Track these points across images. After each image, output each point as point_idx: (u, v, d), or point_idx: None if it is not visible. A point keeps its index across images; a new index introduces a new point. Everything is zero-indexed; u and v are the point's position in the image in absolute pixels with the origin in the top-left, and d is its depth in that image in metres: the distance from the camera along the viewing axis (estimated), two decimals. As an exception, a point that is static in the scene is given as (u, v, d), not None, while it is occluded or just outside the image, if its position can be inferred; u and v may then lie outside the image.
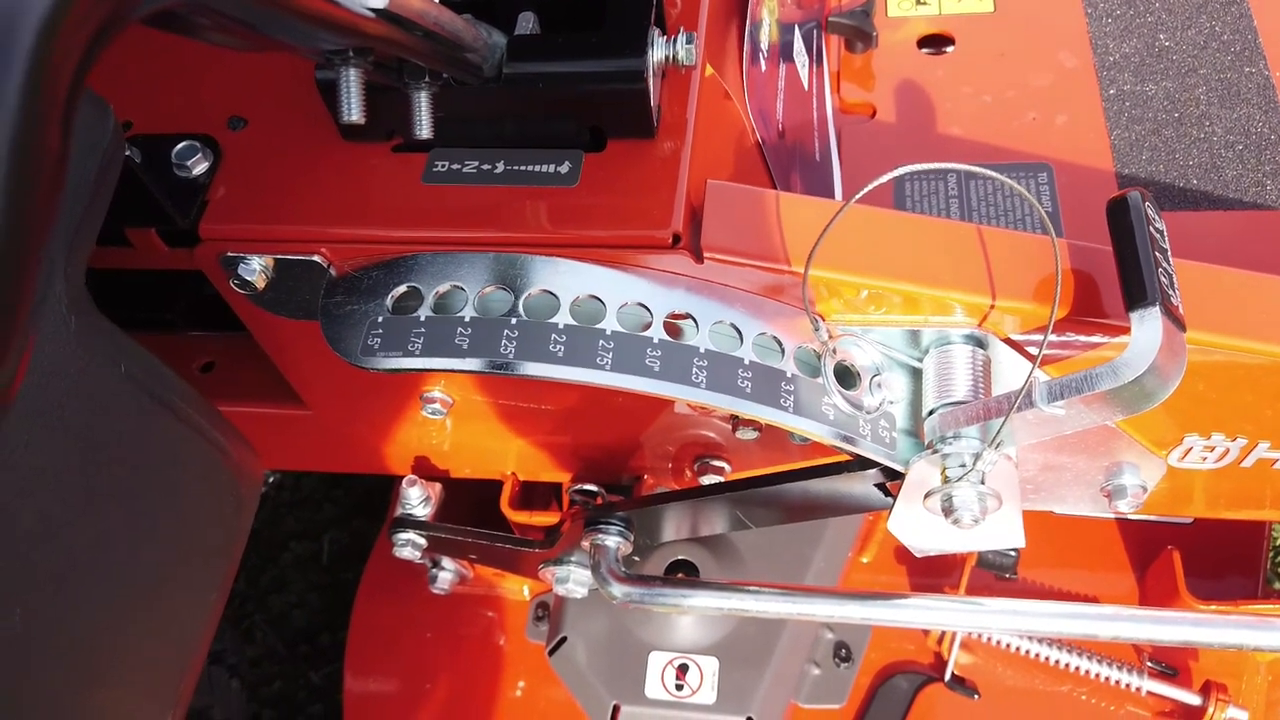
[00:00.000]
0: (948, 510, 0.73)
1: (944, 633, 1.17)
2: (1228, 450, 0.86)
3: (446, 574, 1.23)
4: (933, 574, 1.24)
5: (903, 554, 1.29)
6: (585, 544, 0.97)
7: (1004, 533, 0.82)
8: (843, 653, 1.22)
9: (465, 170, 0.78)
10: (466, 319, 0.72)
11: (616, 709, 1.10)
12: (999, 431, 0.68)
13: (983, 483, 0.71)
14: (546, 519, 1.08)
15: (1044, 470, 0.91)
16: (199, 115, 0.83)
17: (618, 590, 0.94)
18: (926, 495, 0.74)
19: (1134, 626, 0.85)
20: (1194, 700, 1.11)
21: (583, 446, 0.99)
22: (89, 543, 0.60)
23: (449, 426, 1.00)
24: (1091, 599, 1.26)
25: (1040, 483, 0.93)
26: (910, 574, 1.27)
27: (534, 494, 1.13)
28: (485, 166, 0.78)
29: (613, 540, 0.95)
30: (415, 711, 1.25)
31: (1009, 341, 0.76)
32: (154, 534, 0.66)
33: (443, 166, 0.78)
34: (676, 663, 1.11)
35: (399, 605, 1.33)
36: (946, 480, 0.72)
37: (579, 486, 0.99)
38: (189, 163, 0.79)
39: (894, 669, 1.21)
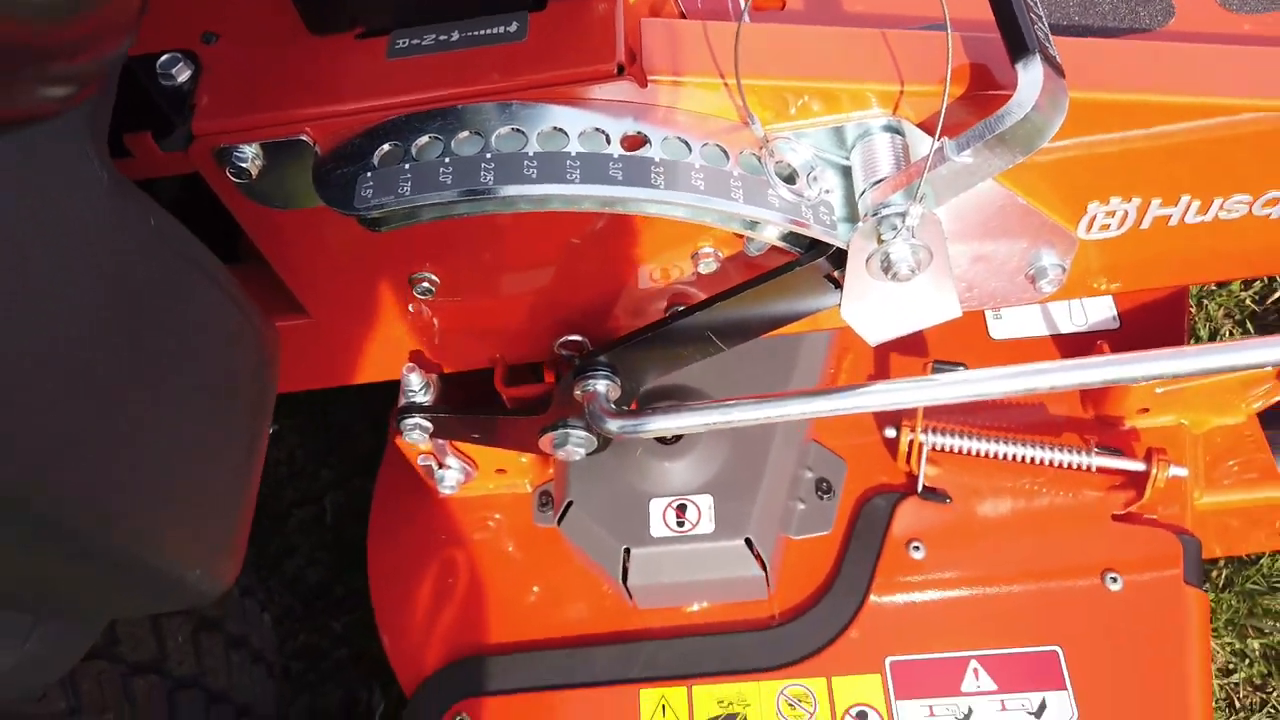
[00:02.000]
0: (887, 268, 0.84)
1: (912, 450, 1.29)
2: (1127, 214, 0.98)
3: (453, 473, 1.32)
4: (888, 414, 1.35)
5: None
6: (577, 393, 1.07)
7: (940, 301, 0.93)
8: (824, 486, 1.33)
9: (425, 43, 0.87)
10: (447, 159, 0.81)
11: (628, 553, 1.20)
12: (920, 187, 0.80)
13: (914, 237, 0.82)
14: (538, 390, 1.18)
15: (973, 263, 1.02)
16: (173, 34, 0.91)
17: (613, 425, 1.04)
18: (868, 260, 0.85)
19: (1070, 374, 0.96)
20: (1139, 466, 1.24)
21: (562, 309, 1.08)
22: (139, 376, 0.69)
23: (437, 317, 1.09)
24: (1037, 410, 1.38)
25: (972, 279, 1.05)
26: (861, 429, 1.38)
27: (523, 377, 1.22)
28: (442, 37, 0.87)
29: (601, 384, 1.05)
30: (443, 608, 1.33)
31: (921, 126, 0.87)
32: (196, 376, 0.74)
33: (404, 43, 0.87)
34: (675, 504, 1.22)
35: (412, 515, 1.41)
36: (882, 241, 0.83)
37: (564, 339, 1.08)
38: (173, 71, 0.87)
39: (872, 493, 1.32)
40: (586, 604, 1.31)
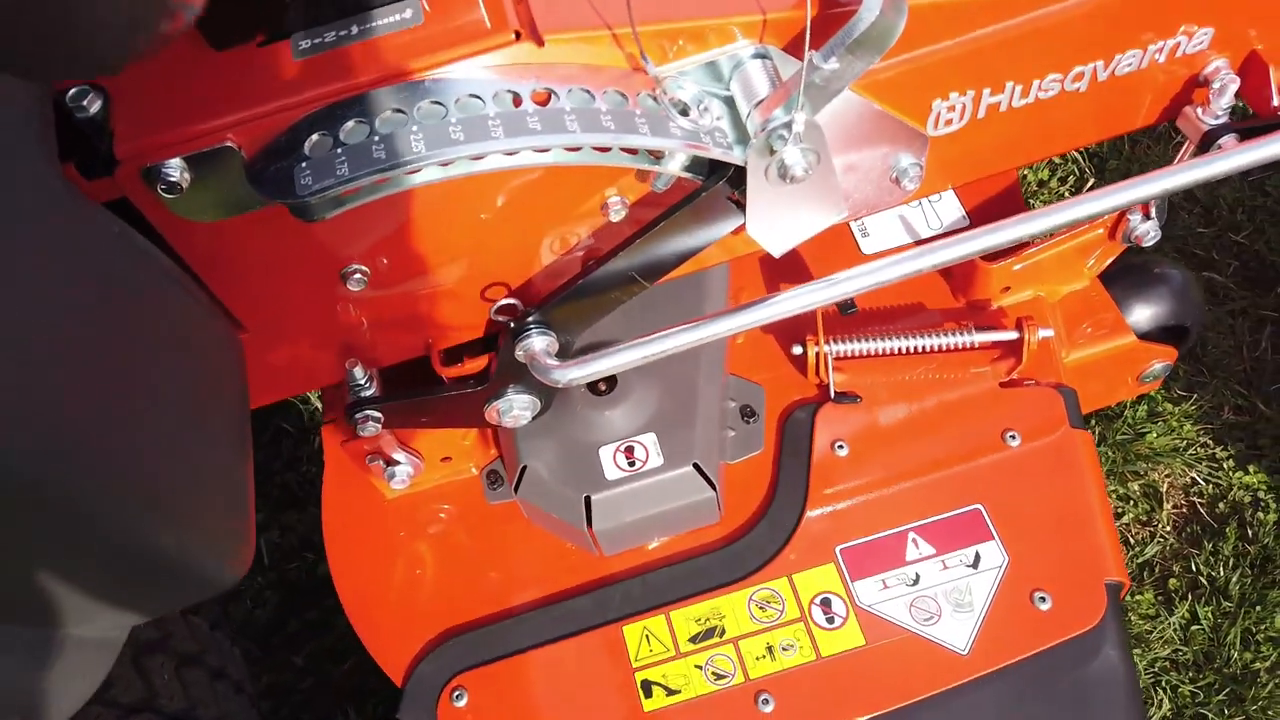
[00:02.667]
0: (783, 173, 0.95)
1: (819, 361, 1.41)
2: (964, 107, 1.13)
3: (402, 468, 1.36)
4: (794, 331, 1.47)
5: (768, 328, 1.53)
6: (519, 353, 1.14)
7: (829, 203, 1.05)
8: (748, 412, 1.44)
9: (327, 40, 0.93)
10: (377, 137, 0.87)
11: (589, 500, 1.27)
12: (799, 96, 0.91)
13: (802, 142, 0.94)
14: (476, 364, 1.24)
15: (846, 174, 1.15)
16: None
17: (560, 375, 1.11)
18: (765, 170, 0.96)
19: (958, 247, 1.10)
20: (1013, 335, 1.41)
21: (489, 278, 1.15)
22: (135, 372, 0.72)
23: (371, 309, 1.14)
24: (917, 309, 1.54)
25: (848, 189, 1.17)
26: (777, 334, 1.50)
27: (455, 359, 1.28)
28: (342, 33, 0.93)
29: (539, 341, 1.13)
30: (416, 599, 1.37)
31: (785, 49, 0.99)
32: (187, 370, 0.78)
33: (307, 44, 0.93)
34: (623, 448, 1.30)
35: (365, 521, 1.44)
36: (774, 152, 0.95)
37: (500, 304, 1.15)
38: (84, 103, 0.89)
39: (791, 408, 1.44)
40: (554, 565, 1.37)
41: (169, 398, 0.75)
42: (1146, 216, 1.38)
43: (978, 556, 1.30)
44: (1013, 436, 1.37)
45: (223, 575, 0.82)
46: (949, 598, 1.28)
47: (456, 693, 1.27)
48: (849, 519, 1.34)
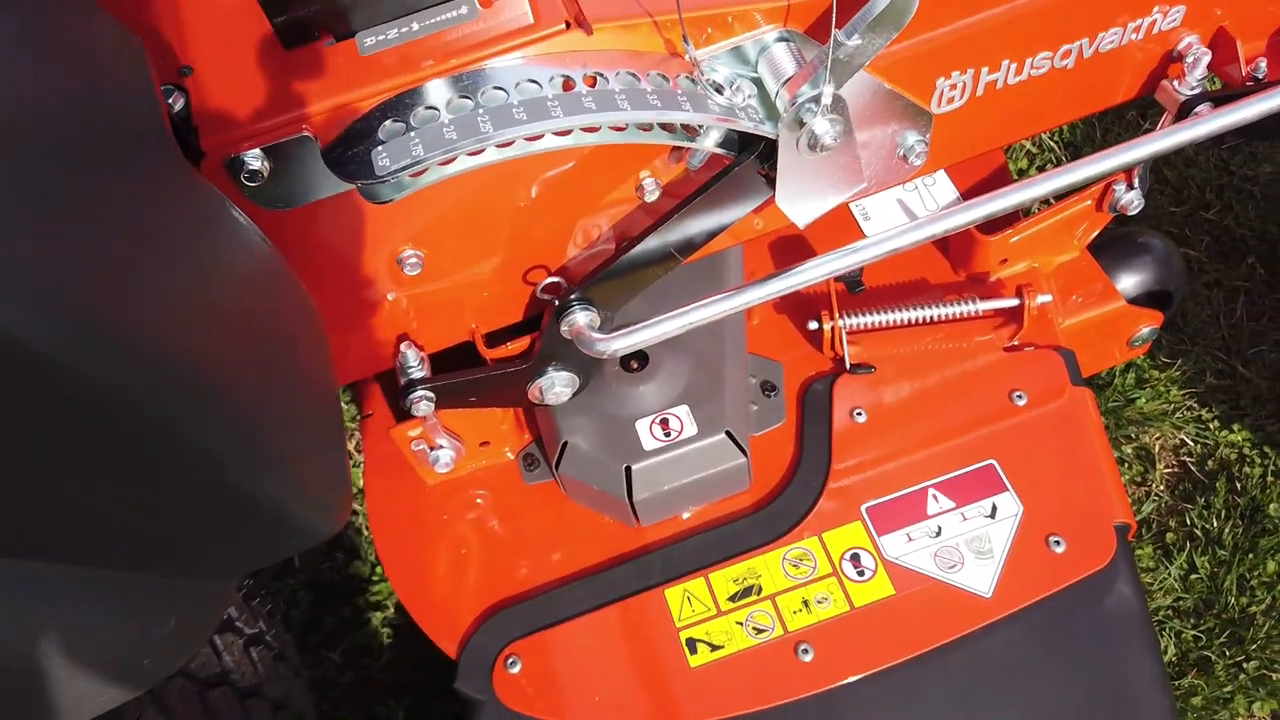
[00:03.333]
0: (813, 143, 1.04)
1: (834, 335, 1.50)
2: (965, 85, 1.23)
3: (445, 451, 1.43)
4: (807, 310, 1.56)
5: (781, 308, 1.62)
6: (564, 329, 1.21)
7: (851, 172, 1.14)
8: (769, 387, 1.52)
9: (390, 37, 1.01)
10: (446, 120, 0.95)
11: (629, 470, 1.35)
12: (826, 71, 1.00)
13: (831, 113, 1.03)
14: (518, 345, 1.31)
15: (860, 152, 1.25)
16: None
17: (605, 347, 1.19)
18: (796, 142, 1.05)
19: (967, 213, 1.20)
20: (1014, 302, 1.50)
21: (533, 259, 1.22)
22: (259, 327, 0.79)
23: (424, 293, 1.21)
24: (922, 285, 1.63)
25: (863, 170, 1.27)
26: (792, 315, 1.59)
27: (499, 341, 1.35)
28: (404, 29, 1.01)
29: (583, 316, 1.20)
30: (464, 577, 1.42)
31: (806, 32, 1.08)
32: (280, 319, 0.85)
33: (372, 40, 1.01)
34: (658, 420, 1.37)
35: (409, 509, 1.50)
36: (804, 124, 1.04)
37: (545, 282, 1.22)
38: (170, 100, 0.97)
39: (810, 381, 1.52)
40: (594, 538, 1.44)
41: (274, 344, 0.82)
42: (1130, 186, 1.49)
43: (994, 507, 1.38)
44: (1019, 396, 1.47)
45: (323, 524, 0.88)
46: (970, 546, 1.36)
47: (510, 660, 1.33)
48: (872, 479, 1.43)
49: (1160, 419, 1.90)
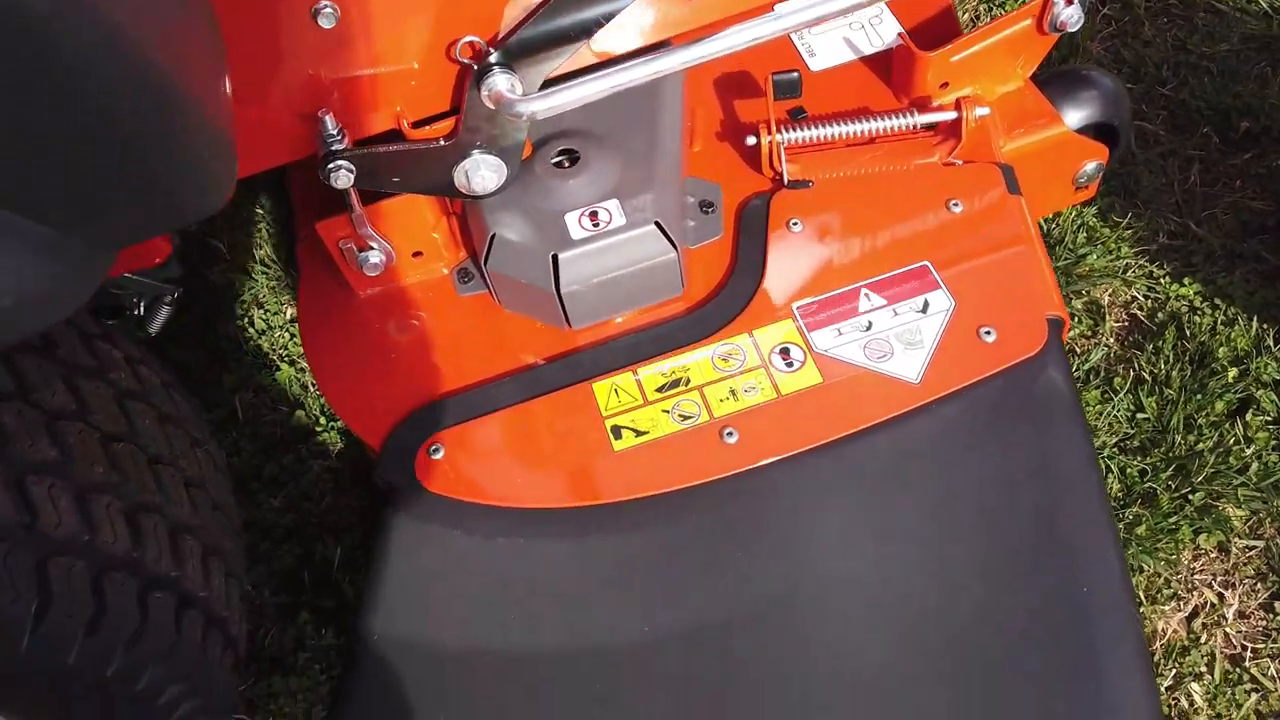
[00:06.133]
0: None
1: (772, 151, 1.49)
2: None
3: (374, 253, 1.41)
4: (748, 131, 1.54)
5: (723, 136, 1.60)
6: (484, 94, 1.20)
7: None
8: (706, 205, 1.51)
9: None
10: None
11: (555, 259, 1.33)
12: None
13: None
14: (444, 127, 1.30)
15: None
16: None
17: (526, 107, 1.18)
18: None
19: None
20: (952, 115, 1.49)
21: (453, 30, 1.21)
22: None
23: (341, 59, 1.19)
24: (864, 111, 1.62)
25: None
26: (733, 141, 1.58)
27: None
28: None
29: (503, 80, 1.19)
30: (393, 377, 1.41)
31: None
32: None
33: None
34: (587, 212, 1.36)
35: (341, 317, 1.49)
36: None
37: (462, 40, 1.20)
38: None
39: (748, 200, 1.51)
40: (525, 343, 1.43)
41: (175, 15, 0.81)
42: (1069, 1, 1.48)
43: (926, 303, 1.37)
44: (956, 204, 1.45)
45: (208, 199, 0.87)
46: (900, 338, 1.34)
47: (434, 447, 1.32)
48: (805, 282, 1.41)
49: (1111, 276, 1.88)
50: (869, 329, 1.36)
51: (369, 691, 1.16)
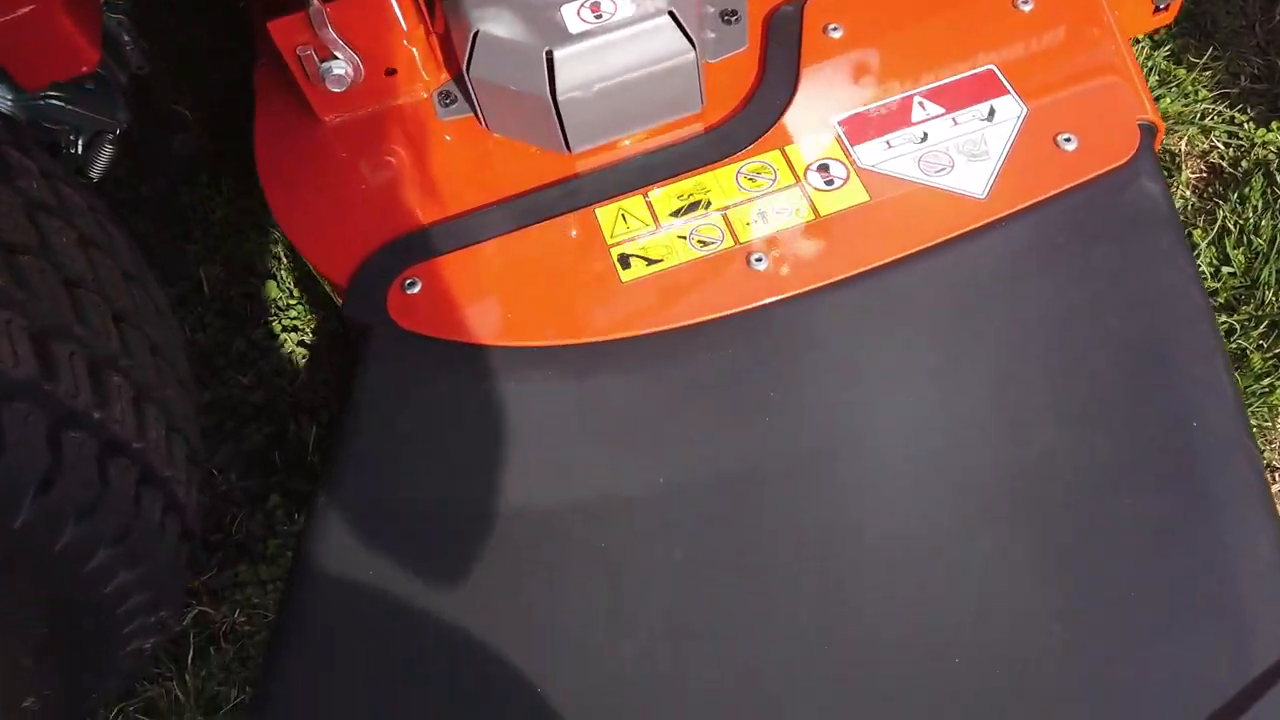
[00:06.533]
0: None
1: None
2: None
3: (340, 64, 1.20)
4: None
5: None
6: None
7: None
8: (729, 13, 1.28)
9: None
10: None
11: (550, 56, 1.12)
12: None
13: None
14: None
15: None
16: None
17: None
18: None
19: None
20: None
21: None
22: None
23: None
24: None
25: None
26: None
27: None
28: None
29: None
30: (364, 208, 1.20)
31: None
32: None
33: None
34: (587, 3, 1.14)
35: (302, 143, 1.28)
36: None
37: None
38: None
39: (778, 5, 1.29)
40: (517, 170, 1.22)
41: None
42: None
43: (992, 110, 1.15)
44: (1024, 1, 1.23)
45: None
46: (962, 150, 1.13)
47: (409, 281, 1.12)
48: (846, 93, 1.20)
49: (1186, 123, 1.66)
50: (924, 140, 1.14)
51: (331, 554, 0.98)
